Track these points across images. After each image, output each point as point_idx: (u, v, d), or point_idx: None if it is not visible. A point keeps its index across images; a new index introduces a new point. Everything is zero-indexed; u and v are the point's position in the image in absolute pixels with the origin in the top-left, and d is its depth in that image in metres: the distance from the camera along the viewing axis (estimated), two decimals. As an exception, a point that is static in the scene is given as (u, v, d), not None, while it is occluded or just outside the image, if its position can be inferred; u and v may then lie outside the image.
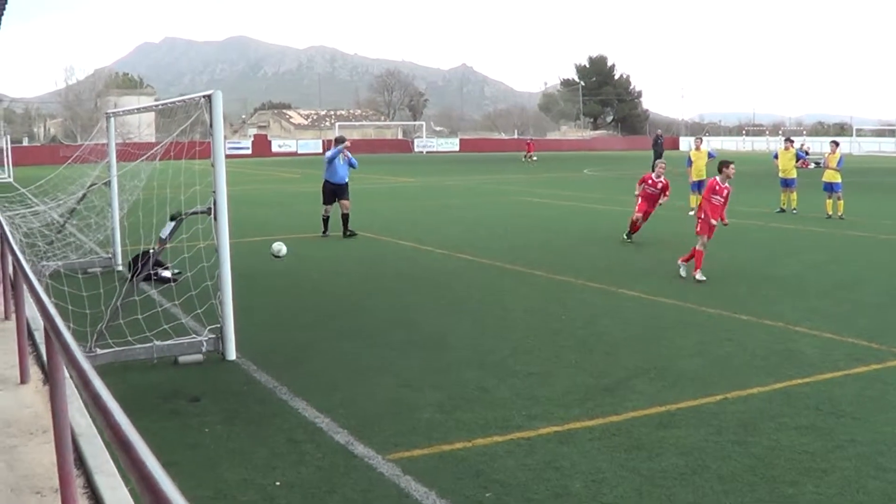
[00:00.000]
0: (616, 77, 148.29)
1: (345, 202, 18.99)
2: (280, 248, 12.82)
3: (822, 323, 10.27)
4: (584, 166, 58.24)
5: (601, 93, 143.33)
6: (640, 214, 17.67)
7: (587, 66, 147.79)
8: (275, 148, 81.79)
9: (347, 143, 19.30)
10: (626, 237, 17.91)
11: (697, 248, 13.28)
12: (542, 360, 8.71)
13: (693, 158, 24.78)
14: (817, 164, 62.52)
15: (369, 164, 62.36)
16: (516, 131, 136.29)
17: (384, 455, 6.11)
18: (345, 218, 18.97)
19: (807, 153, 59.78)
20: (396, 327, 10.17)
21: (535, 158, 67.14)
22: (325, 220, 19.14)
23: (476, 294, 12.34)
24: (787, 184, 24.78)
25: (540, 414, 7.01)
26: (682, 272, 13.47)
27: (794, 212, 24.28)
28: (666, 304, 11.44)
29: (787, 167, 24.81)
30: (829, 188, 23.28)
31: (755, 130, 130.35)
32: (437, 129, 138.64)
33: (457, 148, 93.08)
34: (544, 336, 9.72)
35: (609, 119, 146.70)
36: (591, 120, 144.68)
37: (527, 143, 72.07)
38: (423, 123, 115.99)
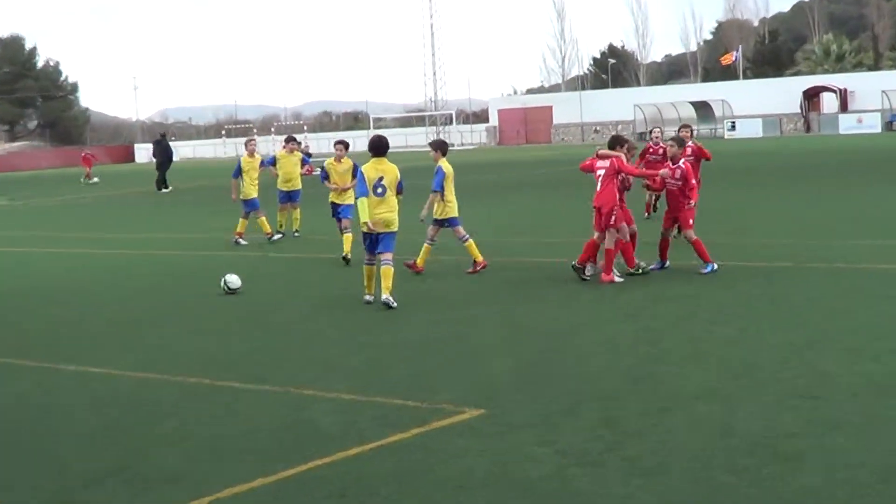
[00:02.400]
0: (39, 65, 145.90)
1: None
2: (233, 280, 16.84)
3: (341, 380, 10.81)
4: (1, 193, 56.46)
5: (18, 88, 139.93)
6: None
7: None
8: None
9: None
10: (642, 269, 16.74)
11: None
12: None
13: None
14: (324, 169, 66.49)
15: None
16: None
17: None
18: None
19: (310, 156, 63.29)
20: None
21: (95, 180, 64.63)
22: None
23: None
24: (290, 197, 25.52)
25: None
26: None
27: (296, 234, 25.33)
28: (131, 380, 11.47)
29: (292, 175, 25.60)
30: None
31: (239, 129, 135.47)
32: None
33: None
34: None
35: (33, 124, 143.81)
36: (7, 128, 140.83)
37: (88, 156, 69.11)
38: None
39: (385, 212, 15.16)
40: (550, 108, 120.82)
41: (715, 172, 40.00)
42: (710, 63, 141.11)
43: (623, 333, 12.50)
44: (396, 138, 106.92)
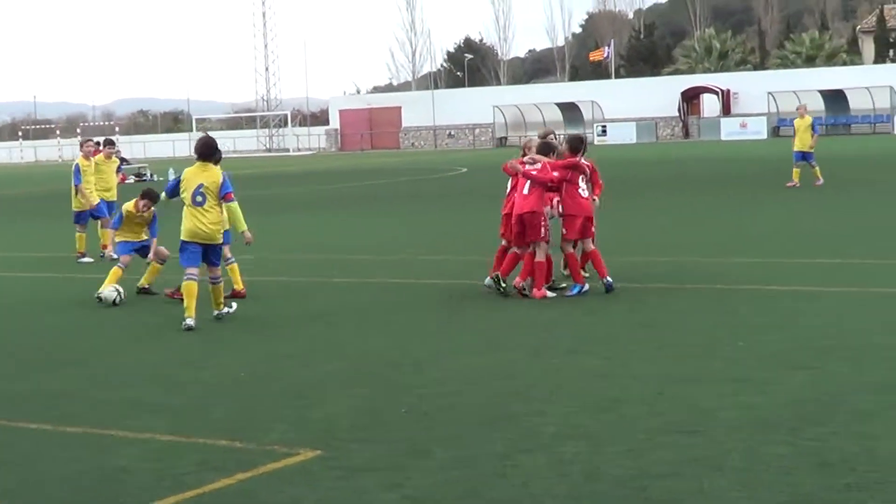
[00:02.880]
0: None
1: None
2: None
3: (157, 420, 10.71)
4: None
5: None
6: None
7: None
8: None
9: None
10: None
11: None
12: None
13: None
14: (141, 176, 66.17)
15: None
16: None
17: None
18: None
19: (126, 162, 62.89)
20: None
21: None
22: None
23: None
24: (109, 208, 25.38)
25: None
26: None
27: (105, 256, 25.09)
28: None
29: (111, 184, 25.73)
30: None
31: (39, 130, 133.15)
32: None
33: None
34: None
35: None
36: None
37: None
38: None
39: (206, 223, 15.40)
40: (399, 108, 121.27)
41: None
42: (579, 60, 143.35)
43: (478, 366, 12.59)
44: (224, 142, 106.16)
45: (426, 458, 9.09)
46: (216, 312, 15.81)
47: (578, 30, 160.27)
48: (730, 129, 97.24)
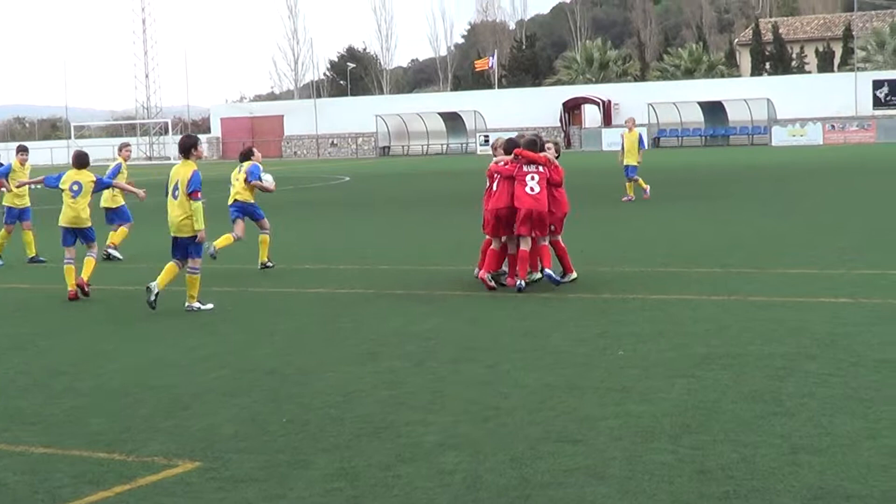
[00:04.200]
0: None
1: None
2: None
3: (32, 431, 10.57)
4: None
5: None
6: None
7: None
8: None
9: None
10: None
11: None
12: None
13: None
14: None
15: None
16: None
17: None
18: None
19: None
20: None
21: None
22: None
23: None
24: (21, 215, 25.80)
25: None
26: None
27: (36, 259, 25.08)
28: None
29: (24, 189, 25.95)
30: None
31: None
32: None
33: None
34: None
35: None
36: None
37: None
38: None
39: (177, 216, 17.09)
40: (281, 117, 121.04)
41: (464, 194, 40.80)
42: (461, 70, 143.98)
43: (361, 375, 12.54)
44: (103, 149, 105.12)
45: (308, 469, 9.05)
46: (187, 305, 17.16)
47: (461, 40, 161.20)
48: (611, 139, 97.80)
